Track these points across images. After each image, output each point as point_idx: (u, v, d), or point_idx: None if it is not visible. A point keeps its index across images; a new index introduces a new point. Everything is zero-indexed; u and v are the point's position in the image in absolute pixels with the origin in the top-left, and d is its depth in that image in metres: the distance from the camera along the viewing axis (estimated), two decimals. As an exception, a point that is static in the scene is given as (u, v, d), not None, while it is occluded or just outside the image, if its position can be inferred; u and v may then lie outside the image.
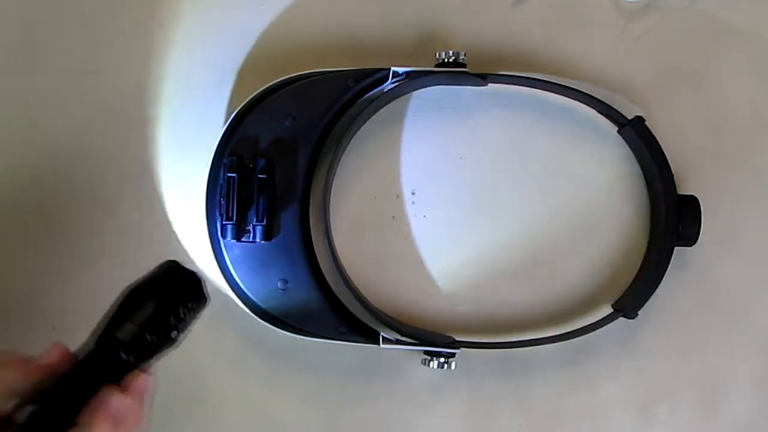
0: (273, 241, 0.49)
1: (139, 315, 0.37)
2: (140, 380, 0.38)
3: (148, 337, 0.37)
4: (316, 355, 0.52)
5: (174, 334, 0.38)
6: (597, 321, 0.51)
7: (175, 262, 0.40)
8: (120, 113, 0.53)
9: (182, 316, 0.39)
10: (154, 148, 0.53)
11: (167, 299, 0.38)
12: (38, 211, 0.52)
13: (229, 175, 0.49)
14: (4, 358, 0.37)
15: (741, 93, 0.54)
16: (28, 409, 0.34)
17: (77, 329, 0.52)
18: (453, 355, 0.50)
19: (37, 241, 0.52)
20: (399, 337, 0.50)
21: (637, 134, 0.51)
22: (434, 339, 0.50)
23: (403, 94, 0.53)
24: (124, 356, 0.37)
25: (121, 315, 0.37)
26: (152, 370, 0.39)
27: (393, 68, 0.50)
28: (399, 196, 0.53)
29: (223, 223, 0.49)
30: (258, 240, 0.49)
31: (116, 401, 0.36)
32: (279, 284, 0.49)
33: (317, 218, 0.50)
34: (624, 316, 0.51)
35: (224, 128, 0.49)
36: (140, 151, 0.53)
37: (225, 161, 0.49)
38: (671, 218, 0.50)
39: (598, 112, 0.53)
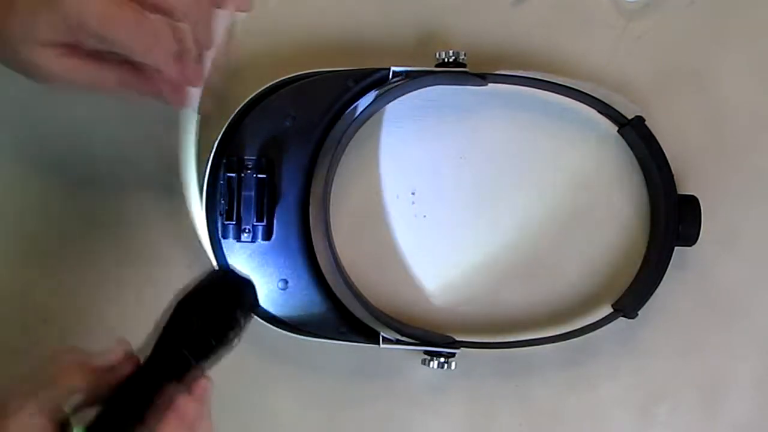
0: (273, 241, 0.49)
1: (202, 319, 0.38)
2: (203, 382, 0.38)
3: (211, 340, 0.38)
4: (316, 355, 0.52)
5: (232, 336, 0.39)
6: (597, 321, 0.51)
7: (228, 268, 0.42)
8: (121, 113, 0.53)
9: (239, 320, 0.40)
10: (154, 148, 0.53)
11: (230, 304, 0.39)
12: (38, 209, 0.52)
13: (228, 175, 0.49)
14: (65, 358, 0.37)
15: (741, 93, 0.54)
16: (94, 410, 0.34)
17: (75, 324, 0.52)
18: (453, 355, 0.50)
19: (46, 250, 0.52)
20: (399, 337, 0.50)
21: (637, 134, 0.51)
22: (434, 339, 0.50)
23: (403, 94, 0.53)
24: (187, 357, 0.37)
25: (183, 319, 0.38)
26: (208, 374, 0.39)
27: (393, 68, 0.50)
28: (399, 196, 0.53)
29: (224, 223, 0.49)
30: (258, 240, 0.49)
31: (184, 402, 0.36)
32: (279, 284, 0.49)
33: (317, 218, 0.50)
34: (624, 316, 0.51)
35: (224, 128, 0.49)
36: (140, 151, 0.53)
37: (225, 161, 0.49)
38: (671, 218, 0.50)
39: (598, 112, 0.53)
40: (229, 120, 0.49)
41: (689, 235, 0.50)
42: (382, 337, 0.50)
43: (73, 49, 0.38)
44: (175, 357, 0.37)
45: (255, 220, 0.49)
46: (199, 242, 0.50)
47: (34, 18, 0.37)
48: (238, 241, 0.49)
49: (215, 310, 0.39)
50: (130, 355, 0.38)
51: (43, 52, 0.38)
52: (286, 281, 0.49)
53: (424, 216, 0.53)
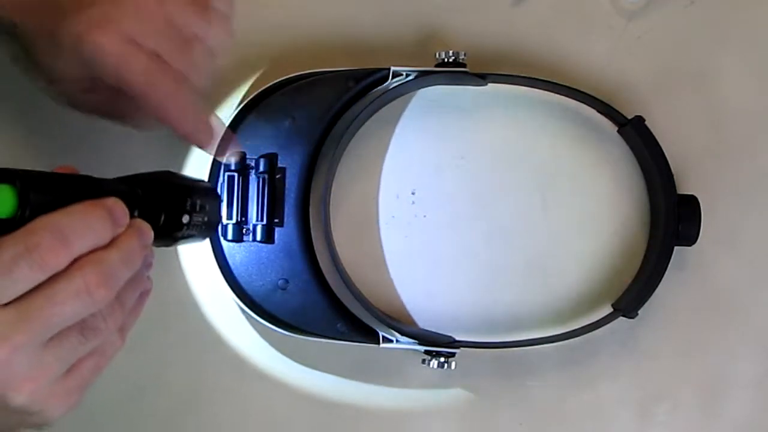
0: (273, 240, 0.49)
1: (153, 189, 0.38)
2: (142, 225, 0.36)
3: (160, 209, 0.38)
4: (316, 354, 0.52)
5: (185, 218, 0.39)
6: (597, 321, 0.51)
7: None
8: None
9: (194, 206, 0.40)
10: (154, 148, 0.53)
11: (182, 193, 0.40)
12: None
13: (228, 174, 0.49)
14: None
15: (741, 93, 0.54)
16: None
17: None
18: (453, 355, 0.50)
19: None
20: (399, 337, 0.50)
21: (637, 134, 0.51)
22: (434, 339, 0.50)
23: (403, 94, 0.53)
24: (137, 192, 0.37)
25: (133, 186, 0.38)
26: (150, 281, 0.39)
27: (393, 68, 0.50)
28: (399, 196, 0.53)
29: (224, 223, 0.49)
30: (258, 240, 0.49)
31: (107, 252, 0.33)
32: (279, 284, 0.49)
33: (317, 218, 0.50)
34: (624, 316, 0.51)
35: (224, 128, 0.49)
36: (140, 150, 0.53)
37: (225, 161, 0.49)
38: (671, 218, 0.50)
39: (598, 112, 0.53)
40: (230, 120, 0.49)
41: (689, 235, 0.50)
42: (382, 337, 0.50)
43: (96, 83, 0.39)
44: (122, 189, 0.36)
45: (255, 219, 0.49)
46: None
47: (54, 60, 0.39)
48: (238, 241, 0.49)
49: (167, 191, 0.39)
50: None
51: (69, 88, 0.40)
52: (286, 281, 0.49)
53: (424, 216, 0.53)
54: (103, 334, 0.34)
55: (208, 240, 0.49)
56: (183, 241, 0.41)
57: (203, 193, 0.42)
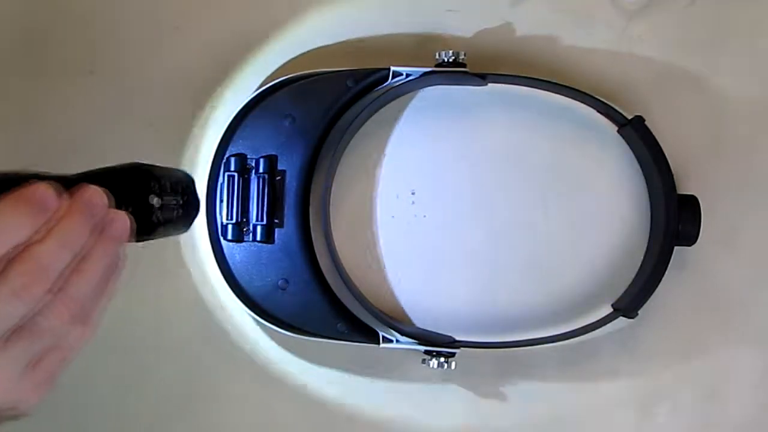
0: (273, 241, 0.49)
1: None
2: (86, 193, 0.33)
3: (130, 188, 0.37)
4: (316, 355, 0.52)
5: (154, 200, 0.37)
6: (597, 321, 0.51)
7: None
8: (120, 113, 0.53)
9: (162, 187, 0.38)
10: (154, 147, 0.53)
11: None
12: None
13: (229, 174, 0.49)
14: None
15: (741, 93, 0.54)
16: None
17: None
18: (453, 354, 0.50)
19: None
20: (399, 336, 0.50)
21: (637, 134, 0.51)
22: (434, 339, 0.50)
23: (403, 94, 0.53)
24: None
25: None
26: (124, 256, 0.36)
27: (393, 68, 0.50)
28: (399, 196, 0.54)
29: (224, 223, 0.49)
30: (258, 240, 0.49)
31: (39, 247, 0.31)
32: (279, 284, 0.49)
33: (317, 218, 0.50)
34: (624, 316, 0.51)
35: (224, 128, 0.50)
36: (141, 150, 0.53)
37: (225, 161, 0.49)
38: (671, 218, 0.50)
39: (598, 112, 0.53)
40: (230, 120, 0.50)
41: (689, 235, 0.50)
42: (382, 337, 0.50)
43: None
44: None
45: (255, 220, 0.49)
46: (200, 242, 0.51)
47: None
48: (238, 241, 0.49)
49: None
50: None
51: None
52: (286, 281, 0.49)
53: (424, 216, 0.53)
54: (53, 329, 0.32)
55: (208, 240, 0.49)
56: (164, 228, 0.39)
57: (169, 172, 0.40)
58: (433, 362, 0.49)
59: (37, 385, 0.33)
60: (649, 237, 0.53)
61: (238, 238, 0.49)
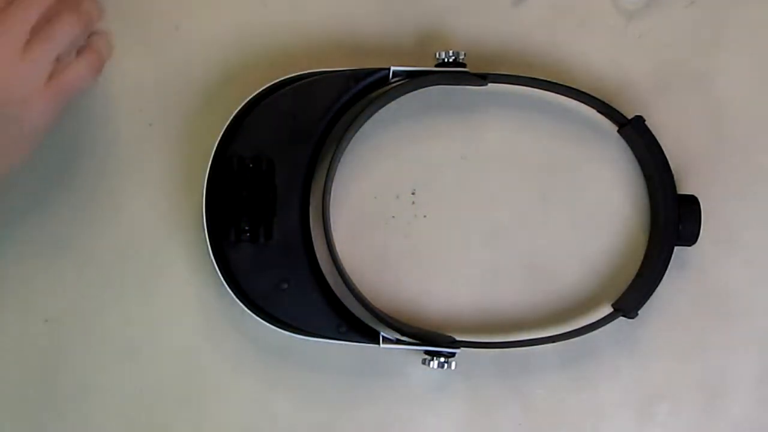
0: (273, 241, 0.49)
1: None
2: None
3: None
4: (316, 355, 0.52)
5: None
6: (597, 321, 0.51)
7: None
8: (120, 113, 0.53)
9: None
10: (154, 147, 0.53)
11: None
12: (37, 206, 0.52)
13: (229, 174, 0.49)
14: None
15: (741, 93, 0.54)
16: None
17: (75, 324, 0.53)
18: (453, 355, 0.50)
19: (46, 250, 0.52)
20: (399, 337, 0.50)
21: (637, 134, 0.51)
22: (434, 339, 0.50)
23: (403, 94, 0.53)
24: None
25: None
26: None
27: (393, 68, 0.50)
28: (399, 196, 0.54)
29: (224, 223, 0.49)
30: (258, 240, 0.49)
31: None
32: (279, 284, 0.49)
33: (317, 218, 0.50)
34: (624, 316, 0.51)
35: (224, 128, 0.49)
36: (140, 150, 0.53)
37: (225, 161, 0.49)
38: (671, 218, 0.50)
39: (598, 112, 0.53)
40: (230, 120, 0.49)
41: (689, 235, 0.50)
42: (382, 337, 0.50)
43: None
44: None
45: (255, 219, 0.49)
46: (200, 242, 0.51)
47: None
48: (237, 241, 0.49)
49: None
50: None
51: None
52: (286, 281, 0.49)
53: (424, 216, 0.53)
54: (67, 34, 0.42)
55: (208, 240, 0.49)
56: None
57: None
58: (434, 362, 0.49)
59: (53, 95, 0.43)
60: (649, 237, 0.53)
61: (238, 238, 0.49)
